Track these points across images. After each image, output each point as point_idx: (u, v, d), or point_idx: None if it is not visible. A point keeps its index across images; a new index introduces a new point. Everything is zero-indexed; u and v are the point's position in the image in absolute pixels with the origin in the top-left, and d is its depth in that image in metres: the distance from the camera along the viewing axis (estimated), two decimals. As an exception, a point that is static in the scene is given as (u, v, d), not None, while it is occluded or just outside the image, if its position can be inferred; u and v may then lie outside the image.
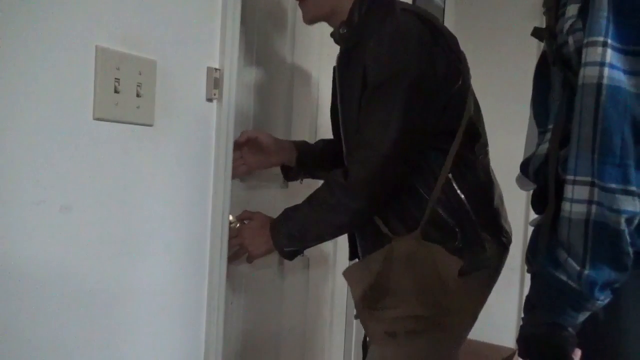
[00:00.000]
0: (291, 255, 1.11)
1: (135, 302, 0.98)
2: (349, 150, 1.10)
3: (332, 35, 1.14)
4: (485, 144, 1.15)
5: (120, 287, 0.95)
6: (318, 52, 1.53)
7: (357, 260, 1.15)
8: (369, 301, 1.04)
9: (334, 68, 1.17)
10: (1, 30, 0.73)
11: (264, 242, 1.10)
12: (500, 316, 2.41)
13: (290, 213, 1.08)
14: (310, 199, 1.06)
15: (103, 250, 0.91)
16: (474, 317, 1.13)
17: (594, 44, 0.67)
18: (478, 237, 1.04)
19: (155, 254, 1.02)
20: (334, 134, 1.25)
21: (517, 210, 2.29)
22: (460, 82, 1.04)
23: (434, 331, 1.03)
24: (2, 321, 0.77)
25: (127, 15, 0.91)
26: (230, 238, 1.14)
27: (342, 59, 1.13)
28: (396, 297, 1.01)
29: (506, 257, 1.14)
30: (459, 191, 1.03)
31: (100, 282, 0.91)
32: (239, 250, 1.17)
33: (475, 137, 1.09)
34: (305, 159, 1.28)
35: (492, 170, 1.17)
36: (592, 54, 0.67)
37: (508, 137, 2.16)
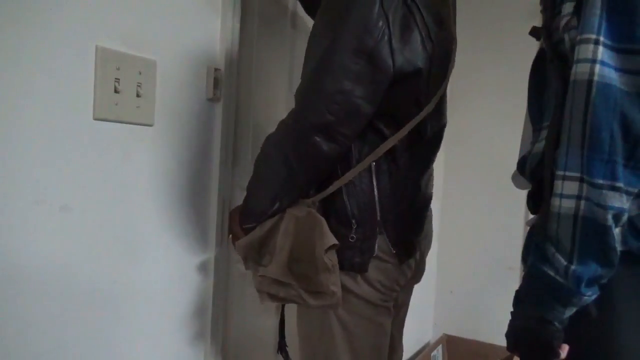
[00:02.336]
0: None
1: (136, 302, 0.98)
2: None
3: None
4: (432, 158, 1.08)
5: (121, 287, 0.95)
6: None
7: None
8: (255, 254, 0.98)
9: None
10: (1, 30, 0.73)
11: (236, 223, 1.05)
12: (500, 316, 2.41)
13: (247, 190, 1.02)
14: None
15: (103, 250, 0.91)
16: (378, 328, 1.00)
17: (587, 41, 0.68)
18: (373, 238, 0.95)
19: (155, 254, 1.02)
20: None
21: (517, 210, 2.30)
22: (428, 71, 0.92)
23: (301, 306, 0.97)
24: (2, 321, 0.77)
25: (127, 15, 0.91)
26: None
27: None
28: (270, 257, 0.95)
29: (406, 277, 1.06)
30: (375, 184, 0.95)
31: (101, 282, 0.91)
32: (230, 237, 1.13)
33: (420, 137, 0.99)
34: None
35: (429, 179, 1.09)
36: (584, 51, 0.68)
37: (507, 137, 2.16)
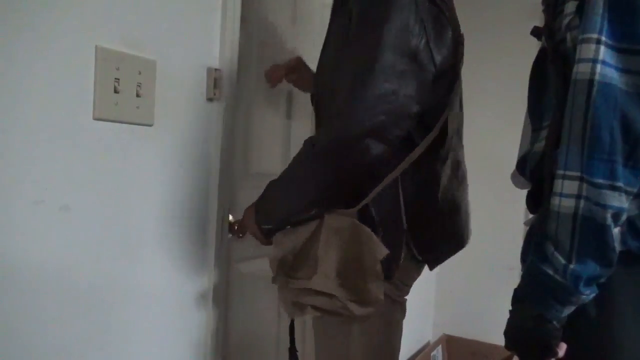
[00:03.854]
0: (268, 234, 1.00)
1: (135, 301, 0.98)
2: (320, 112, 1.04)
3: None
4: (450, 149, 1.05)
5: (120, 287, 0.95)
6: (318, 51, 1.52)
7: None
8: (287, 267, 0.96)
9: None
10: (1, 30, 0.73)
11: (251, 219, 1.02)
12: (500, 316, 2.41)
13: (267, 187, 0.99)
14: (283, 172, 0.97)
15: (102, 250, 0.91)
16: (393, 326, 1.03)
17: (588, 40, 0.68)
18: (399, 247, 0.94)
19: (155, 254, 1.02)
20: None
21: (517, 210, 2.30)
22: (453, 67, 0.96)
23: (345, 317, 0.94)
24: (1, 320, 0.77)
25: (127, 15, 0.91)
26: None
27: (332, 10, 1.05)
28: (312, 269, 0.92)
29: (420, 273, 1.07)
30: (400, 189, 0.94)
31: (100, 282, 0.91)
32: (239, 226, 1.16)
33: (443, 139, 0.99)
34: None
35: (449, 171, 1.05)
36: (585, 51, 0.68)
37: (508, 137, 2.16)
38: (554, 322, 0.72)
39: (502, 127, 2.25)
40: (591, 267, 0.68)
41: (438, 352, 2.48)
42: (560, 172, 0.70)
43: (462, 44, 1.02)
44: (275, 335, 1.48)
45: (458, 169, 1.08)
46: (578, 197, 0.68)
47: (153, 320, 1.03)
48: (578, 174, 0.68)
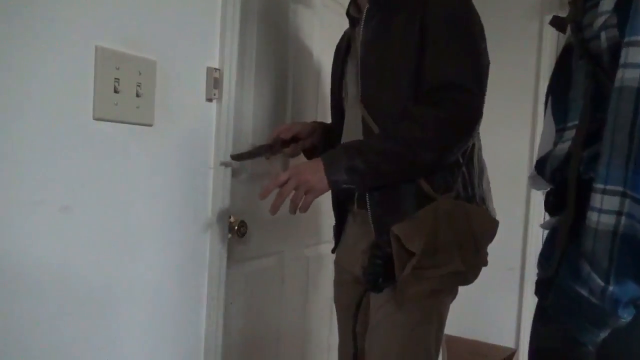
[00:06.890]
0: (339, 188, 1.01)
1: (135, 301, 0.98)
2: (374, 105, 1.05)
3: (347, 14, 1.15)
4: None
5: (120, 286, 0.95)
6: (318, 52, 1.52)
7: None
8: (419, 262, 0.98)
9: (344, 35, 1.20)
10: (1, 30, 0.73)
11: (321, 178, 0.98)
12: (500, 316, 2.41)
13: (358, 147, 0.99)
14: (387, 135, 0.99)
15: (102, 250, 0.91)
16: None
17: (636, 44, 0.62)
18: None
19: (154, 254, 1.02)
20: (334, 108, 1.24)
21: (517, 211, 2.30)
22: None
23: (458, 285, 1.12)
24: (1, 320, 0.77)
25: (127, 15, 0.91)
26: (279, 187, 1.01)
27: (371, 15, 1.08)
28: (444, 255, 1.00)
29: None
30: (464, 169, 1.08)
31: (100, 281, 0.91)
32: (297, 191, 1.00)
33: None
34: (327, 138, 1.28)
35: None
36: (633, 55, 0.62)
37: (507, 138, 2.16)
38: (589, 346, 0.67)
39: (501, 128, 2.25)
40: (631, 289, 0.63)
41: (438, 352, 2.48)
42: (600, 186, 0.64)
43: None
44: (275, 334, 1.48)
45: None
46: (619, 213, 0.62)
47: (153, 320, 1.03)
48: (620, 188, 0.62)
